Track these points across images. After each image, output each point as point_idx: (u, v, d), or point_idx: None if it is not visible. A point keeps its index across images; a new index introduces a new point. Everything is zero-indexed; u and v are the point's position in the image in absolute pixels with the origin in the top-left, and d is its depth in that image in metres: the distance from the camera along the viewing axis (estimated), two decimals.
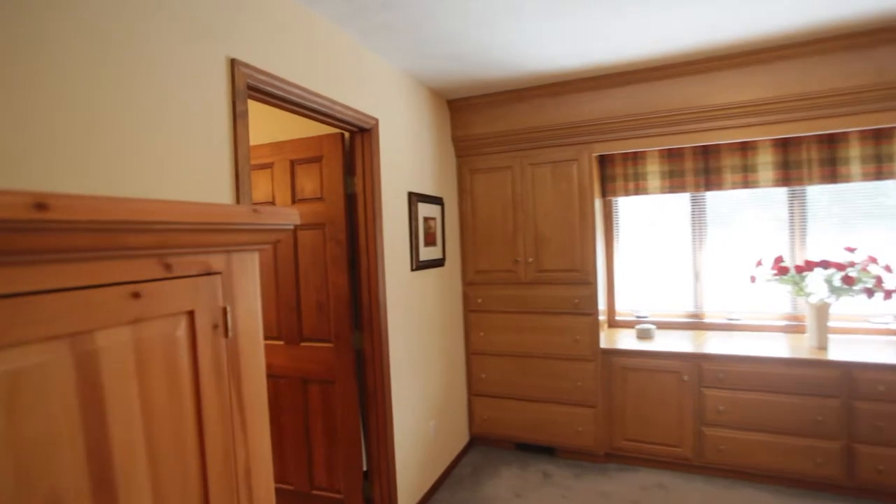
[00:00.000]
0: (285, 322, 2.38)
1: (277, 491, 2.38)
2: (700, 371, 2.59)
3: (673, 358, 2.65)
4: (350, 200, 2.22)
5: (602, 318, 3.00)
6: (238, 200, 1.48)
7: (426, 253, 2.68)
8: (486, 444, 3.18)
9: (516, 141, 2.92)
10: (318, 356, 2.30)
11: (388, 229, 2.32)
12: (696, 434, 2.61)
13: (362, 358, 2.24)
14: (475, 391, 3.13)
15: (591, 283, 2.80)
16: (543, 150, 2.89)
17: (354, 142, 2.18)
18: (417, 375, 2.55)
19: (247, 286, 0.83)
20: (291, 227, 0.94)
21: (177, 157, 1.29)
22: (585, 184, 2.81)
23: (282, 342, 2.39)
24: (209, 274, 0.76)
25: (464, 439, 3.10)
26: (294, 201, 2.32)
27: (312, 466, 2.38)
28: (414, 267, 2.54)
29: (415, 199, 2.56)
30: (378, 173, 2.21)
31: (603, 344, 2.83)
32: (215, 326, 0.76)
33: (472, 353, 3.12)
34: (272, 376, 2.41)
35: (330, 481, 2.34)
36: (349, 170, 2.21)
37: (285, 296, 2.37)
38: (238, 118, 1.46)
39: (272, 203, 2.39)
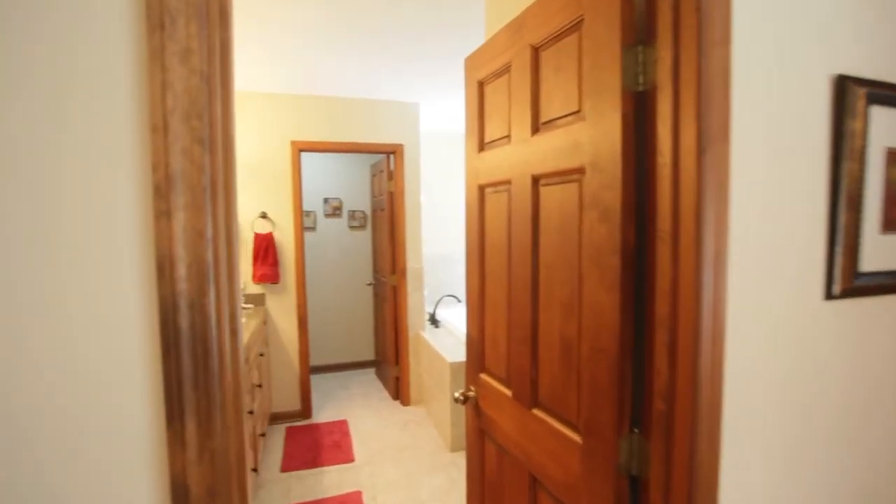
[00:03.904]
0: (515, 361, 1.30)
1: None
2: None
3: None
4: (640, 108, 0.87)
5: None
6: None
7: (883, 249, 0.98)
8: None
9: None
10: (555, 446, 1.12)
11: (747, 185, 0.84)
12: None
13: (641, 489, 0.91)
14: None
15: None
16: None
17: None
18: None
19: None
20: None
21: None
22: None
23: (510, 393, 1.33)
24: None
25: None
26: (536, 129, 1.17)
27: None
28: (841, 289, 0.93)
29: (860, 93, 0.90)
30: (723, 24, 0.77)
31: None
32: None
33: None
34: (496, 441, 1.40)
35: None
36: (642, 32, 0.86)
37: (517, 312, 1.29)
38: None
39: (507, 139, 1.31)
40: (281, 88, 3.39)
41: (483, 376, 1.51)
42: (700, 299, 0.80)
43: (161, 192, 0.51)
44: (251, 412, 2.42)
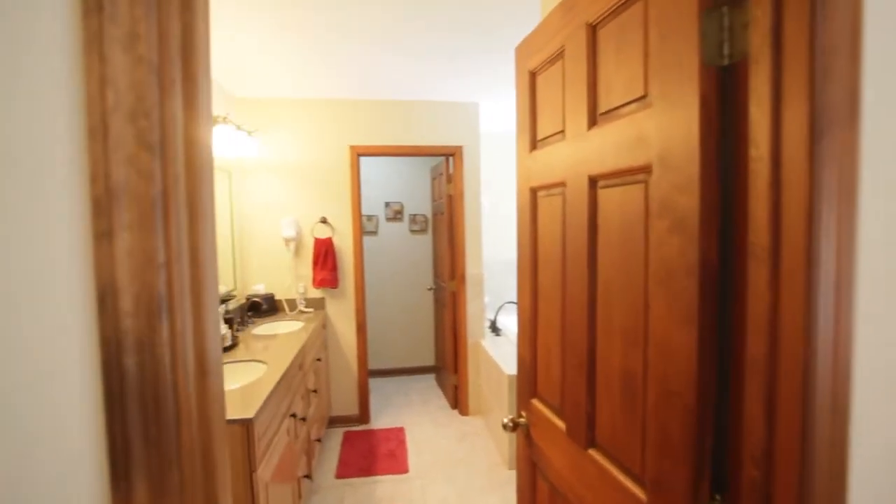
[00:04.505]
0: (570, 390, 1.13)
1: None
2: None
3: None
4: (725, 88, 0.68)
5: None
6: None
7: None
8: None
9: None
10: (614, 499, 0.94)
11: (887, 184, 0.61)
12: None
13: None
14: None
15: None
16: None
17: None
18: None
19: None
20: None
21: None
22: None
23: (563, 426, 1.16)
24: None
25: None
26: (594, 121, 0.99)
27: None
28: None
29: None
30: None
31: None
32: None
33: None
34: (548, 479, 1.24)
35: None
36: None
37: (572, 335, 1.11)
38: None
39: (561, 134, 1.14)
40: (339, 94, 3.41)
41: (535, 402, 1.34)
42: (812, 336, 0.59)
43: (101, 209, 0.42)
44: (304, 419, 2.41)
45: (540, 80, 1.25)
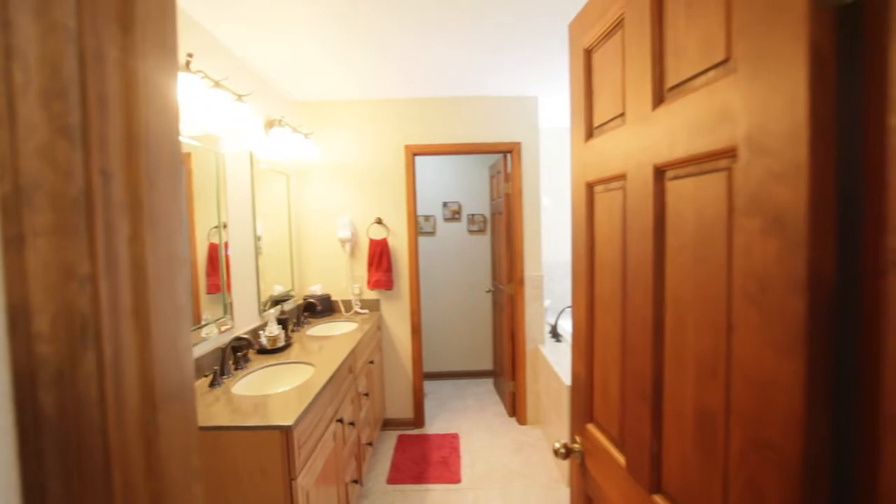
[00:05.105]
0: (631, 421, 0.95)
1: None
2: None
3: None
4: (843, 38, 0.49)
5: None
6: None
7: None
8: None
9: None
10: None
11: None
12: None
13: None
14: None
15: None
16: None
17: None
18: None
19: None
20: None
21: None
22: None
23: (623, 460, 0.98)
24: None
25: None
26: (660, 99, 0.81)
27: None
28: None
29: None
30: None
31: None
32: None
33: None
34: None
35: None
36: None
37: (633, 357, 0.94)
38: None
39: (621, 118, 0.97)
40: (394, 93, 3.37)
41: (590, 428, 1.17)
42: None
43: (9, 211, 0.35)
44: (352, 423, 2.38)
45: (596, 57, 1.08)
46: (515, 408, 3.70)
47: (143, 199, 0.41)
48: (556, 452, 1.23)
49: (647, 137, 0.84)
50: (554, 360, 3.21)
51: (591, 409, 1.18)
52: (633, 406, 0.94)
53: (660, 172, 0.82)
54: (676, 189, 0.78)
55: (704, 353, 0.71)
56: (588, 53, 1.12)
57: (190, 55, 1.73)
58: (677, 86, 0.76)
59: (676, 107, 0.75)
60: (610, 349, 1.06)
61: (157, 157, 0.43)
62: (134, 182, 0.40)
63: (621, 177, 0.96)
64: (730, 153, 0.63)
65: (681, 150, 0.74)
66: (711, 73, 0.67)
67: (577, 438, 1.25)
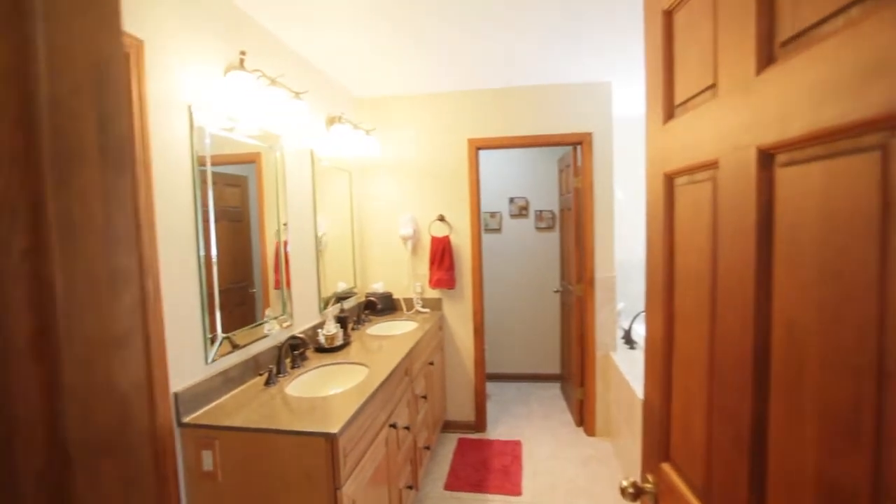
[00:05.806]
0: (721, 469, 0.75)
1: None
2: None
3: None
4: None
5: None
6: None
7: None
8: None
9: None
10: None
11: None
12: None
13: None
14: None
15: None
16: None
17: None
18: None
19: None
20: None
21: None
22: None
23: None
24: None
25: None
26: (770, 58, 0.61)
27: None
28: None
29: None
30: None
31: None
32: None
33: None
34: None
35: None
36: None
37: (725, 393, 0.74)
38: None
39: (712, 89, 0.76)
40: (456, 86, 3.25)
41: (665, 468, 0.98)
42: None
43: None
44: (407, 427, 2.30)
45: (678, 18, 0.88)
46: (583, 417, 3.46)
47: (47, 199, 0.31)
48: (623, 492, 1.05)
49: (749, 112, 0.65)
50: (626, 368, 2.93)
51: (667, 446, 0.98)
52: (723, 453, 0.74)
53: (767, 157, 0.62)
54: (792, 178, 0.58)
55: (837, 402, 0.51)
56: (668, 15, 0.92)
57: (243, 53, 1.73)
58: (796, 37, 0.56)
59: (794, 66, 0.55)
60: (694, 376, 0.86)
61: (78, 142, 0.34)
62: (33, 175, 0.31)
63: (711, 164, 0.76)
64: (887, 124, 0.43)
65: (799, 126, 0.55)
66: (854, 11, 0.47)
67: (650, 478, 1.05)
